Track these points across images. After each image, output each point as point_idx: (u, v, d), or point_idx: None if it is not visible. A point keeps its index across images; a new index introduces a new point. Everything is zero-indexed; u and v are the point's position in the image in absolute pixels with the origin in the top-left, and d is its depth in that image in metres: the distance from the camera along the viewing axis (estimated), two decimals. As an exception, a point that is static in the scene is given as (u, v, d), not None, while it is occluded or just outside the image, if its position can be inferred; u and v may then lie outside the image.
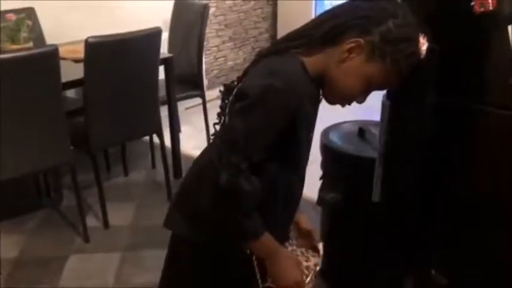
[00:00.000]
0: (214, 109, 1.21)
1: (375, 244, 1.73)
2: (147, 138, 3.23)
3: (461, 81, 1.30)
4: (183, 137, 3.25)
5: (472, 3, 1.19)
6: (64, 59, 2.45)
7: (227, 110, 1.10)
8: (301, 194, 1.23)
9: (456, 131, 1.33)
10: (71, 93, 3.10)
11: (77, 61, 2.57)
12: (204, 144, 3.34)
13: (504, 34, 1.18)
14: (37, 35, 2.92)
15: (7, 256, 2.41)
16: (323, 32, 1.05)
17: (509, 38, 1.18)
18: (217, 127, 1.15)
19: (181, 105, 3.55)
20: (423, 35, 1.04)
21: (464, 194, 1.36)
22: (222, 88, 1.16)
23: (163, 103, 2.93)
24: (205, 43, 3.62)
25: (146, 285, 2.21)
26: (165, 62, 2.89)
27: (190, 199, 1.16)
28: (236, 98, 1.05)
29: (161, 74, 2.83)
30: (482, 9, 1.18)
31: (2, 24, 2.59)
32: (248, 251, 1.10)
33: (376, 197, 1.58)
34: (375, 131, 1.86)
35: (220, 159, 0.98)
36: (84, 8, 3.32)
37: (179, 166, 3.17)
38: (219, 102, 1.16)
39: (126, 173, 3.26)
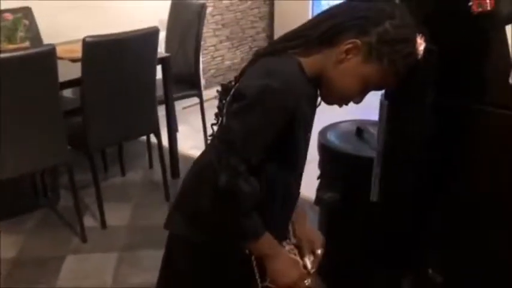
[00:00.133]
0: (211, 109, 1.21)
1: (372, 244, 1.74)
2: (144, 138, 3.23)
3: (460, 81, 1.30)
4: (180, 136, 3.25)
5: (470, 4, 1.19)
6: (61, 58, 2.45)
7: (224, 111, 1.09)
8: (298, 194, 1.24)
9: (455, 131, 1.33)
10: (67, 92, 3.09)
11: (74, 61, 2.57)
12: (201, 144, 3.35)
13: (502, 34, 1.19)
14: (34, 35, 2.91)
15: (4, 256, 2.40)
16: (320, 32, 1.04)
17: (507, 38, 1.18)
18: (215, 127, 1.15)
19: (179, 105, 3.55)
20: (421, 35, 1.04)
21: (463, 194, 1.36)
22: (219, 88, 1.16)
23: (160, 103, 2.92)
24: (202, 43, 3.62)
25: (143, 285, 2.20)
26: (163, 61, 2.88)
27: (190, 200, 1.16)
28: (233, 98, 1.05)
29: (158, 73, 2.82)
30: (480, 10, 1.18)
31: (-1, 24, 2.58)
32: (247, 251, 1.10)
33: (374, 196, 1.58)
34: (373, 130, 1.87)
35: (219, 160, 0.98)
36: (81, 8, 3.32)
37: (176, 166, 3.17)
38: (216, 101, 1.16)
39: (123, 173, 3.25)
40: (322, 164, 2.01)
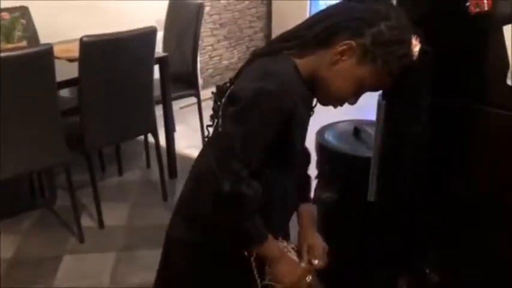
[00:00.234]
0: (209, 108, 1.21)
1: (370, 243, 1.74)
2: (141, 137, 3.22)
3: (458, 81, 1.31)
4: (177, 136, 3.25)
5: (468, 4, 1.20)
6: (58, 58, 2.44)
7: (220, 113, 1.09)
8: (296, 194, 1.24)
9: (453, 131, 1.33)
10: (65, 92, 3.09)
11: (71, 60, 2.56)
12: (199, 143, 3.35)
13: (499, 34, 1.19)
14: (31, 34, 2.91)
15: (1, 256, 2.39)
16: (315, 33, 1.04)
17: (504, 39, 1.19)
18: (211, 129, 1.14)
19: (176, 105, 3.55)
20: (416, 36, 1.04)
21: (460, 194, 1.36)
22: (214, 90, 1.15)
23: (158, 102, 2.92)
24: (200, 42, 3.62)
25: (141, 285, 2.20)
26: (160, 61, 2.88)
27: (191, 205, 1.15)
28: (229, 101, 1.04)
29: (156, 73, 2.82)
30: (477, 10, 1.19)
31: (-4, 23, 2.57)
32: (246, 253, 1.11)
33: (371, 196, 1.58)
34: (370, 130, 1.87)
35: (220, 167, 0.97)
36: (78, 8, 3.31)
37: (174, 166, 3.16)
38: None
39: (120, 173, 3.25)
40: (319, 164, 2.01)
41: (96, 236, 2.61)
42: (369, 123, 1.98)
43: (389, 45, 1.01)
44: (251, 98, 0.98)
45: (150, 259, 2.30)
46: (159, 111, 2.92)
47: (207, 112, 1.18)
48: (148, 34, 2.56)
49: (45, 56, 2.18)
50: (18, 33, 2.59)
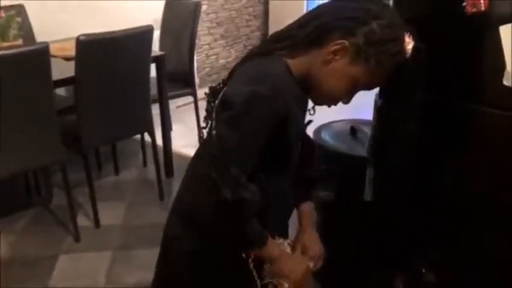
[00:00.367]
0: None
1: (367, 242, 1.74)
2: (138, 136, 3.22)
3: (455, 81, 1.31)
4: (174, 135, 3.24)
5: (464, 4, 1.20)
6: (54, 56, 2.43)
7: (214, 115, 1.08)
8: (292, 196, 1.23)
9: (449, 131, 1.33)
10: (61, 91, 3.08)
11: (67, 59, 2.55)
12: (195, 142, 3.30)
13: (496, 35, 1.19)
14: (27, 33, 2.90)
15: (-3, 255, 2.39)
16: (307, 33, 1.04)
17: (500, 39, 1.19)
18: (205, 131, 1.13)
19: (173, 104, 3.54)
20: (409, 34, 1.03)
21: (457, 194, 1.37)
22: (207, 91, 1.15)
23: (154, 101, 2.92)
24: (196, 41, 3.61)
25: (137, 285, 2.20)
26: (157, 60, 2.87)
27: (192, 211, 1.14)
28: (222, 105, 1.04)
29: (152, 72, 2.81)
30: (474, 10, 1.19)
31: (-9, 22, 2.56)
32: (244, 255, 1.11)
33: (368, 195, 1.58)
34: (367, 130, 1.87)
35: (219, 174, 0.97)
36: (74, 6, 3.30)
37: (170, 165, 3.16)
38: (208, 102, 1.15)
39: (117, 172, 3.24)
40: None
41: (92, 235, 2.60)
42: (365, 122, 1.99)
43: (382, 44, 1.01)
44: (244, 103, 0.97)
45: (147, 258, 2.31)
46: (155, 110, 2.92)
47: (204, 111, 1.17)
48: (145, 33, 2.56)
49: (41, 55, 2.17)
50: (13, 32, 2.58)
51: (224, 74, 1.15)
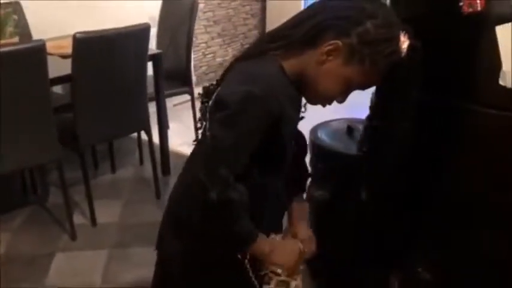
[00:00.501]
0: (202, 106, 1.21)
1: (363, 241, 1.74)
2: (134, 134, 3.21)
3: (451, 80, 1.31)
4: (171, 133, 3.24)
5: (461, 4, 1.20)
6: (51, 54, 2.43)
7: (207, 115, 1.08)
8: (285, 194, 1.23)
9: (445, 130, 1.34)
10: (57, 89, 3.07)
11: (64, 57, 2.55)
12: (192, 141, 3.32)
13: (492, 34, 1.20)
14: (23, 30, 2.88)
15: (-8, 253, 2.39)
16: (301, 33, 1.03)
17: (497, 38, 1.19)
18: (200, 132, 1.13)
19: (169, 102, 3.54)
20: (404, 32, 1.02)
21: (452, 193, 1.37)
22: (201, 91, 1.14)
23: (151, 99, 2.91)
24: (193, 39, 3.60)
25: (134, 283, 2.20)
26: (154, 58, 2.87)
27: (180, 210, 1.15)
28: (216, 105, 1.03)
29: (149, 70, 2.81)
30: (470, 10, 1.19)
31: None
32: (239, 256, 1.11)
33: (364, 195, 1.59)
34: (364, 129, 1.87)
35: (207, 176, 0.97)
36: (71, 4, 3.29)
37: (167, 163, 3.16)
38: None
39: (113, 170, 3.24)
40: (313, 162, 2.01)
41: (89, 233, 2.60)
42: (362, 121, 1.99)
43: (377, 44, 1.00)
44: (238, 103, 0.97)
45: (143, 256, 2.31)
46: (152, 108, 2.91)
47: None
48: (141, 31, 2.55)
49: (38, 52, 2.17)
50: (10, 29, 2.58)
51: (221, 73, 1.15)
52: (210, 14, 4.70)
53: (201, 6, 4.33)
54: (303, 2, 4.76)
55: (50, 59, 2.25)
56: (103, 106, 2.54)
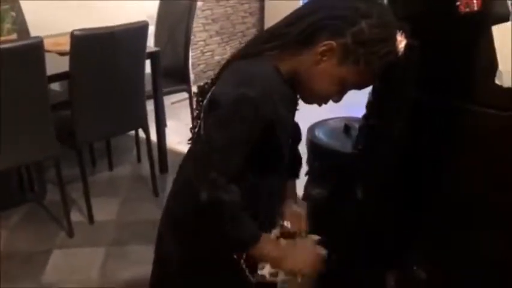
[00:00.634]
0: (200, 104, 1.21)
1: (360, 240, 1.75)
2: (132, 132, 3.21)
3: (447, 80, 1.31)
4: (168, 131, 3.24)
5: (458, 4, 1.20)
6: (49, 51, 2.42)
7: (202, 115, 1.08)
8: (281, 194, 1.24)
9: (442, 130, 1.34)
10: (55, 86, 3.07)
11: (62, 54, 2.55)
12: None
13: (488, 34, 1.20)
14: (21, 27, 2.88)
15: (-10, 251, 2.39)
16: (295, 33, 1.03)
17: (493, 38, 1.20)
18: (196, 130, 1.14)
19: (167, 100, 3.54)
20: (401, 31, 1.02)
21: (450, 193, 1.37)
22: (195, 90, 1.14)
23: (149, 97, 2.91)
24: (192, 37, 3.61)
25: (131, 280, 2.21)
26: (152, 56, 2.87)
27: (178, 213, 1.15)
28: (210, 104, 1.03)
29: (147, 68, 2.81)
30: (467, 10, 1.19)
31: (-15, 16, 2.55)
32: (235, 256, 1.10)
33: (359, 193, 1.59)
34: (361, 128, 1.87)
35: (198, 178, 0.97)
36: (70, 4, 3.28)
37: (165, 161, 3.16)
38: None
39: (111, 168, 3.24)
40: (310, 160, 2.01)
41: (86, 230, 2.60)
42: (359, 120, 1.99)
43: (371, 44, 0.99)
44: (232, 104, 0.97)
45: (140, 254, 2.32)
46: (150, 106, 2.92)
47: (197, 108, 1.18)
48: (140, 29, 2.55)
49: (36, 49, 2.16)
50: (7, 26, 2.57)
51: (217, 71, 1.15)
52: (209, 12, 4.70)
53: (199, 4, 4.32)
54: (301, 0, 4.76)
55: (47, 56, 2.25)
56: (101, 103, 2.54)
